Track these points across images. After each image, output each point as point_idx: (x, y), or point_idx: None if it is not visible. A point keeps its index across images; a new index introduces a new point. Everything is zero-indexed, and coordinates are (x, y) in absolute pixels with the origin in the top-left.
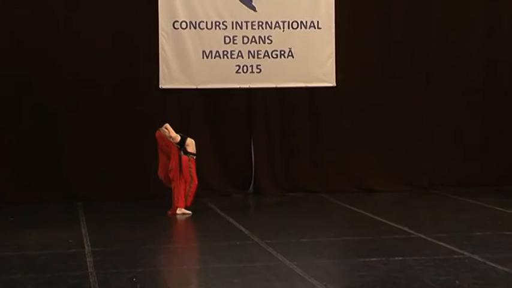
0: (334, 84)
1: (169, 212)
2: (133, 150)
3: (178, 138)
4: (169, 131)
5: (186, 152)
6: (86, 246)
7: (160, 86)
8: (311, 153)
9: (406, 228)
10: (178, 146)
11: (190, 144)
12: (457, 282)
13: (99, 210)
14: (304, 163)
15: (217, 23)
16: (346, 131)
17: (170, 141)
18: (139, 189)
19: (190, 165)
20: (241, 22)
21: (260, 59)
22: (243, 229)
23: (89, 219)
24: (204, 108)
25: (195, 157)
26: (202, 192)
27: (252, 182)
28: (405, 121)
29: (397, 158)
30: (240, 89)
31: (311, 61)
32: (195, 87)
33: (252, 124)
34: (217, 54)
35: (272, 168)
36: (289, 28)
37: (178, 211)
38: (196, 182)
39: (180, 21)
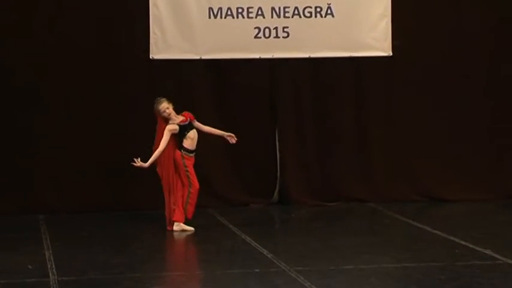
0: (390, 54)
1: (169, 227)
2: (113, 148)
3: (178, 119)
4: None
5: (181, 147)
6: (50, 274)
7: (150, 57)
8: (357, 149)
9: (489, 252)
10: (176, 129)
11: (191, 138)
12: None
13: (67, 226)
14: (348, 162)
15: None
16: (405, 119)
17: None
18: (121, 197)
19: (185, 164)
20: None
21: (288, 19)
22: (265, 251)
23: (54, 237)
24: (210, 86)
25: (192, 155)
26: (209, 202)
27: (277, 188)
28: (484, 108)
29: (476, 157)
30: (260, 60)
31: (357, 22)
32: (198, 57)
33: (276, 109)
34: (229, 13)
35: (304, 170)
36: None
37: (176, 226)
38: (196, 186)
39: None
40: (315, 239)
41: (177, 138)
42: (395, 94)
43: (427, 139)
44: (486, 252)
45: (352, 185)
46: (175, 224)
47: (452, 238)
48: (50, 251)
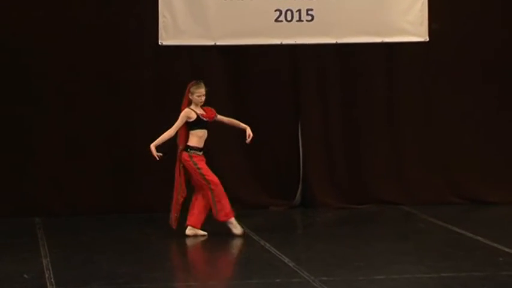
0: (426, 39)
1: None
2: (118, 145)
3: (200, 110)
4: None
5: (186, 147)
6: (48, 284)
7: (160, 42)
8: (389, 145)
9: None
10: (192, 118)
11: (199, 136)
12: None
13: (66, 230)
14: (379, 160)
15: None
16: (443, 113)
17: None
18: (125, 199)
19: (195, 163)
20: None
21: (312, 1)
22: (286, 260)
23: (52, 242)
24: (225, 76)
25: (201, 153)
26: None
27: (300, 188)
28: None
29: None
30: (281, 46)
31: (390, 4)
32: (212, 43)
33: (299, 100)
34: None
35: (330, 168)
36: None
37: (189, 231)
38: (215, 180)
39: None
40: (341, 245)
41: (186, 129)
42: (433, 85)
43: (467, 135)
44: None
45: (383, 185)
46: (189, 228)
47: (495, 245)
48: (48, 259)
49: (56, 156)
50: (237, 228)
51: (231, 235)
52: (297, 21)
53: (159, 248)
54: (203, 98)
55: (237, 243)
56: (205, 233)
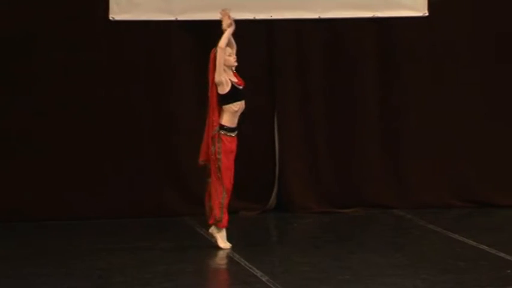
0: (425, 13)
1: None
2: (66, 134)
3: (234, 78)
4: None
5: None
6: None
7: (111, 17)
8: (381, 140)
9: None
10: (228, 83)
11: (233, 112)
12: None
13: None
14: (369, 158)
15: None
16: (443, 103)
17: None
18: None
19: (217, 147)
20: None
21: None
22: (259, 274)
23: None
24: (188, 56)
25: (232, 134)
26: (186, 209)
27: (275, 190)
28: None
29: None
30: (254, 22)
31: None
32: (173, 18)
33: (275, 87)
34: None
35: (311, 167)
36: None
37: (215, 230)
38: (227, 185)
39: None
40: (324, 256)
41: (218, 103)
42: (434, 70)
43: (471, 129)
44: None
45: (373, 186)
46: (213, 227)
47: (502, 255)
48: None
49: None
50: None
51: (194, 245)
52: None
53: (109, 259)
54: (234, 59)
55: (200, 254)
56: (221, 238)
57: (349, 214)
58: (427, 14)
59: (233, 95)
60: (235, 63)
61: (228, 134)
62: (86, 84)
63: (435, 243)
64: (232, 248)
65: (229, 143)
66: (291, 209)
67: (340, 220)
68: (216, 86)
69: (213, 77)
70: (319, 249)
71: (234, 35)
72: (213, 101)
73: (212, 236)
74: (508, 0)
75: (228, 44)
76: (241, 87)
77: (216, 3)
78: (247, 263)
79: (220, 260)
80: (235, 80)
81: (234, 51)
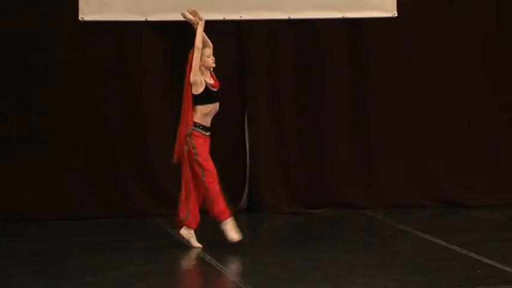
0: (395, 14)
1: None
2: (26, 140)
3: (211, 80)
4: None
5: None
6: None
7: (80, 18)
8: (352, 140)
9: None
10: (202, 83)
11: (205, 113)
12: None
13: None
14: (340, 158)
15: None
16: (414, 103)
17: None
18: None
19: (193, 144)
20: None
21: None
22: (229, 273)
23: None
24: (158, 57)
25: (206, 133)
26: (157, 209)
27: (246, 190)
28: None
29: (505, 151)
30: (224, 22)
31: None
32: (143, 18)
33: (245, 87)
34: None
35: (283, 167)
36: None
37: (185, 231)
38: (211, 169)
39: None
40: (295, 257)
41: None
42: (403, 69)
43: (441, 130)
44: None
45: (344, 186)
46: (184, 228)
47: (473, 255)
48: None
49: None
50: (233, 233)
51: (165, 246)
52: None
53: (81, 259)
54: (213, 61)
55: (171, 255)
56: (200, 245)
57: (320, 214)
58: (396, 15)
59: (206, 97)
60: (213, 65)
61: (202, 131)
62: (57, 84)
63: (406, 243)
64: (204, 248)
65: (202, 139)
66: (262, 209)
67: (311, 220)
68: (190, 85)
69: (189, 77)
70: (290, 250)
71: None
72: (187, 100)
73: (183, 237)
74: (477, 0)
75: (206, 45)
76: (215, 89)
77: (186, 3)
78: (218, 264)
79: (192, 260)
80: (211, 81)
81: (211, 51)
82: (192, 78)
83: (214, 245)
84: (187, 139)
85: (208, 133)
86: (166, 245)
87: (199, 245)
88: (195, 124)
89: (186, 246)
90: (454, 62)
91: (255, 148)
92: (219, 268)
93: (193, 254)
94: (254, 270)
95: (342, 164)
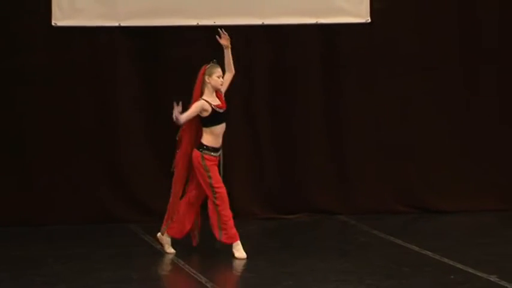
0: (368, 20)
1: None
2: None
3: (216, 100)
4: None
5: (199, 145)
6: None
7: (53, 23)
8: (326, 145)
9: (494, 278)
10: (208, 111)
11: (215, 135)
12: None
13: None
14: (314, 162)
15: None
16: (388, 107)
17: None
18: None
19: (206, 167)
20: None
21: None
22: (203, 279)
23: None
24: (132, 62)
25: (217, 154)
26: (129, 215)
27: None
28: (493, 98)
29: (479, 157)
30: (197, 28)
31: None
32: (117, 24)
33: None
34: None
35: (255, 171)
36: None
37: (161, 237)
38: (223, 192)
39: None
40: (267, 262)
41: (199, 124)
42: (377, 74)
43: (415, 135)
44: (491, 278)
45: (318, 191)
46: (165, 235)
47: (446, 260)
48: None
49: None
50: (240, 252)
51: (138, 252)
52: None
53: (50, 267)
54: (222, 80)
55: (144, 261)
56: (173, 251)
57: (293, 220)
58: (369, 21)
59: (214, 119)
60: (220, 87)
61: (211, 154)
62: (30, 89)
63: (379, 248)
64: (177, 254)
65: (213, 161)
66: (235, 214)
67: (284, 226)
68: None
69: (197, 94)
70: (263, 255)
71: (177, 40)
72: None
73: (159, 242)
74: (450, 7)
75: (214, 65)
76: (221, 110)
77: (160, 8)
78: (191, 269)
79: (165, 266)
80: (217, 102)
81: (220, 70)
82: (182, 119)
83: (188, 251)
84: (200, 160)
85: (218, 153)
86: (139, 251)
87: (173, 251)
88: (203, 147)
89: (160, 252)
90: (426, 67)
91: (228, 153)
92: (192, 274)
93: (167, 260)
94: (228, 276)
95: (316, 169)
